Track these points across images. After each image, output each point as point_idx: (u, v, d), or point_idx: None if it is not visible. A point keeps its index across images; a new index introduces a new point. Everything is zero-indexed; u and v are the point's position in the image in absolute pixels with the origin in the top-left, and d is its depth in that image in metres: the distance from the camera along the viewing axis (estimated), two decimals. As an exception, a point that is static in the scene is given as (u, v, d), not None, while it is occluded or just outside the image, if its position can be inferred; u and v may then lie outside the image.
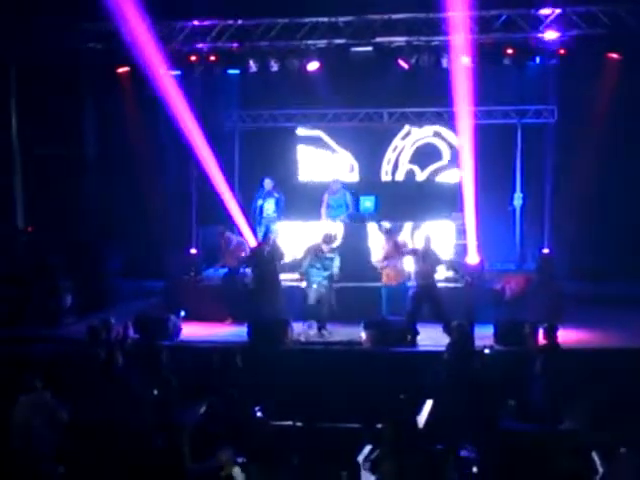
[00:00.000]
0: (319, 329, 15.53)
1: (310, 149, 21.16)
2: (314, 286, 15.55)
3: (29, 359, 13.66)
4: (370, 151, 21.05)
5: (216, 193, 19.01)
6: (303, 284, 15.84)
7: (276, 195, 18.84)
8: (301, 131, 21.06)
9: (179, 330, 15.67)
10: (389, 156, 21.16)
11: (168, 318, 15.51)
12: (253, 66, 18.15)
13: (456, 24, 16.82)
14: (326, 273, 15.54)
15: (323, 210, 18.58)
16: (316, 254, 15.57)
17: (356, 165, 20.99)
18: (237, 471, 8.43)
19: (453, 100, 17.74)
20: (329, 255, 15.57)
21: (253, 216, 18.85)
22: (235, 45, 17.96)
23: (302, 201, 19.17)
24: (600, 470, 8.90)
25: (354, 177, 21.00)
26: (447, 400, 11.40)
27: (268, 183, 18.84)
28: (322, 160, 21.12)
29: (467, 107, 18.22)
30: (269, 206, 18.80)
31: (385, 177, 21.15)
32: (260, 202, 18.83)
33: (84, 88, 19.66)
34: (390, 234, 16.13)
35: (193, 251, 18.80)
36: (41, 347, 14.82)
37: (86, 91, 19.69)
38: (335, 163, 21.06)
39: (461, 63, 17.37)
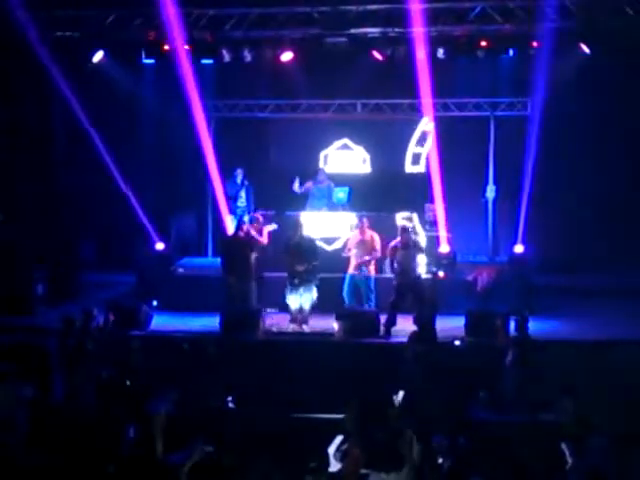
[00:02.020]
0: (299, 324, 15.51)
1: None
2: (297, 293, 15.54)
3: (0, 348, 13.62)
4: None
5: (190, 182, 19.04)
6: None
7: (246, 183, 18.86)
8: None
9: (150, 319, 15.63)
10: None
11: (139, 307, 15.46)
12: (226, 56, 18.08)
13: (432, 16, 16.93)
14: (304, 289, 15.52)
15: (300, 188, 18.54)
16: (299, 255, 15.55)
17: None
18: None
19: (427, 92, 17.87)
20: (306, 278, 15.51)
21: (230, 205, 18.81)
22: (208, 35, 17.89)
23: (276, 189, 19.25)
24: (569, 461, 8.97)
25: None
26: (419, 391, 11.46)
27: (240, 173, 18.83)
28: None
29: (440, 99, 18.37)
30: (242, 195, 18.82)
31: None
32: (242, 192, 18.82)
33: (54, 77, 19.50)
34: (360, 225, 16.07)
35: (160, 246, 18.50)
36: (13, 336, 14.75)
37: (56, 80, 19.53)
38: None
39: (435, 55, 17.50)
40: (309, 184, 18.51)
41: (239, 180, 18.82)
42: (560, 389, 11.11)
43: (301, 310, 15.50)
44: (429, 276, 16.45)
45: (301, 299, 15.44)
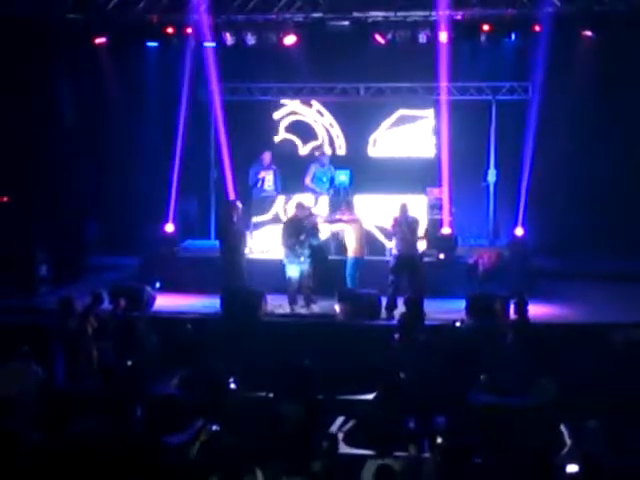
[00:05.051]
0: (307, 303, 15.65)
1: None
2: (298, 261, 15.60)
3: (4, 328, 13.71)
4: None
5: (193, 165, 19.06)
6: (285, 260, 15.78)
7: (274, 167, 18.82)
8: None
9: (153, 301, 15.70)
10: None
11: (142, 289, 15.52)
12: (229, 39, 18.08)
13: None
14: (309, 251, 15.63)
15: (308, 180, 18.44)
16: (297, 229, 15.61)
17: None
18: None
19: (428, 75, 17.91)
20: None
21: (254, 189, 18.77)
22: (211, 18, 17.89)
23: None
24: (568, 442, 9.07)
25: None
26: (418, 373, 11.55)
27: (267, 156, 18.79)
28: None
29: (443, 82, 18.42)
30: (270, 178, 18.76)
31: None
32: (263, 175, 18.74)
33: (59, 58, 19.52)
34: (349, 206, 16.18)
35: (170, 228, 18.47)
36: (15, 317, 14.83)
37: (61, 62, 19.56)
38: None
39: (437, 39, 17.52)
40: (312, 167, 18.54)
41: (266, 163, 18.77)
42: (538, 371, 11.25)
43: (302, 284, 15.62)
44: (430, 259, 16.59)
45: (301, 267, 15.55)
